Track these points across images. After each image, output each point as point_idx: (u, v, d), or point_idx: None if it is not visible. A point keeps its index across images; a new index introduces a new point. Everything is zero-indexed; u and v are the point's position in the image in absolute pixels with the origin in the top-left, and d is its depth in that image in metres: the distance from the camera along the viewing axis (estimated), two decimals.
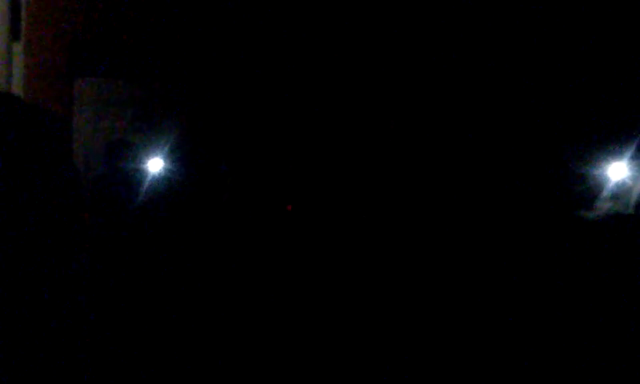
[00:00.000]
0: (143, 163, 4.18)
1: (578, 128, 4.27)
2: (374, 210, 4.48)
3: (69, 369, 2.99)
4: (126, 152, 4.16)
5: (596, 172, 4.04)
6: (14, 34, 3.98)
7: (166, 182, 4.18)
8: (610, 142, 4.06)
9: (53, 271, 3.70)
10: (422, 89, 4.50)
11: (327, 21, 4.42)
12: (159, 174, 4.18)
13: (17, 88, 3.99)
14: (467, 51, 4.49)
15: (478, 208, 4.39)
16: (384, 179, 4.49)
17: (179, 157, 4.25)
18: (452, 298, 4.15)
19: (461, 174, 4.48)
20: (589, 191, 4.03)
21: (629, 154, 4.01)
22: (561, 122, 4.33)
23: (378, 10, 4.47)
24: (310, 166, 4.45)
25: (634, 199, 3.94)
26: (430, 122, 4.51)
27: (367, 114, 4.51)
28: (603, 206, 4.00)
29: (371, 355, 3.87)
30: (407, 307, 4.16)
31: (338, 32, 4.44)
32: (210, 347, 3.87)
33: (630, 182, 3.98)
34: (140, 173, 4.15)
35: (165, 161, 4.19)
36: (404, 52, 4.51)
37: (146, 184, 4.15)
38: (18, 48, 4.03)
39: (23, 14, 4.07)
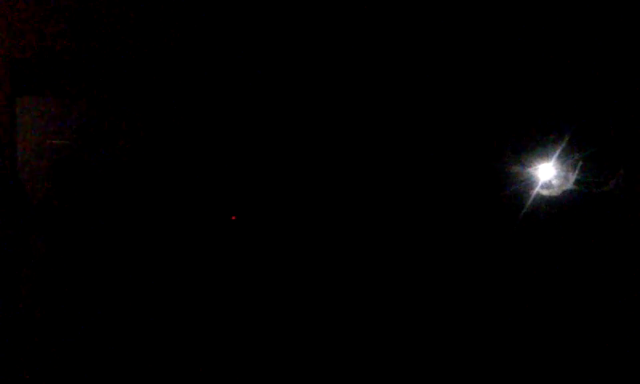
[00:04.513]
0: (92, 181, 4.22)
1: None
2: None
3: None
4: (72, 171, 4.19)
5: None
6: None
7: (117, 198, 4.23)
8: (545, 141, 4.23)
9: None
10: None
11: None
12: (109, 191, 4.23)
13: None
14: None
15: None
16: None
17: (127, 172, 4.29)
18: (428, 300, 4.29)
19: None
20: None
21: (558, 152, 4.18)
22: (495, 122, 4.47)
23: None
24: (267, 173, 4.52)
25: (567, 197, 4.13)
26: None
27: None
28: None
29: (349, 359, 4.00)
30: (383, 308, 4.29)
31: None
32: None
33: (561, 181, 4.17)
34: (89, 190, 4.19)
35: (115, 177, 4.23)
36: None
37: (95, 201, 4.19)
38: None
39: None
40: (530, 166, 4.21)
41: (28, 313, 3.98)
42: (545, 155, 4.20)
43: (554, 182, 4.13)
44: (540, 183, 4.17)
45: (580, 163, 4.13)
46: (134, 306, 4.20)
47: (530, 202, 4.14)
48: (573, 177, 4.11)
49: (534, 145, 4.23)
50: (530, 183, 4.18)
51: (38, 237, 4.06)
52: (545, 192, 4.14)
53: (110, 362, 4.00)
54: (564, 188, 4.13)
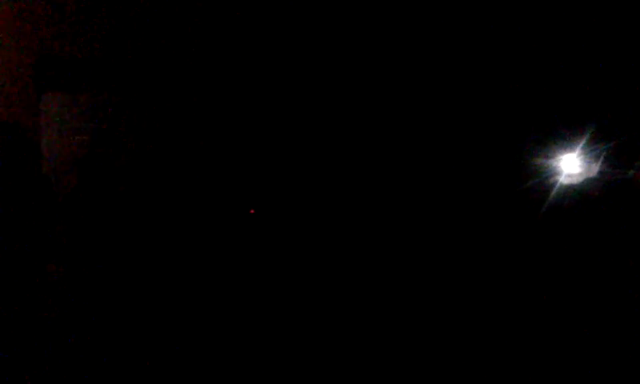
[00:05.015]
0: (114, 177, 4.22)
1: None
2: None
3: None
4: (96, 166, 4.19)
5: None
6: None
7: (138, 194, 4.24)
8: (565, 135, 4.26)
9: (25, 281, 3.72)
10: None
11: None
12: (132, 186, 4.24)
13: None
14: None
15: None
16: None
17: (148, 168, 4.31)
18: (430, 299, 4.28)
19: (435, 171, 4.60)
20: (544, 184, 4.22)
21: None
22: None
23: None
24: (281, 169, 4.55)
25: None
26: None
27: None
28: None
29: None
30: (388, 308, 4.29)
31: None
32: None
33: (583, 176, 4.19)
34: (110, 186, 4.19)
35: (137, 173, 4.26)
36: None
37: (117, 197, 4.20)
38: None
39: None
40: (554, 157, 4.23)
41: (53, 306, 3.96)
42: (568, 146, 4.22)
43: (578, 171, 4.14)
44: (564, 173, 4.18)
45: (603, 153, 4.14)
46: (157, 299, 4.19)
47: (554, 192, 4.15)
48: (596, 166, 4.13)
49: (557, 136, 4.25)
50: (553, 174, 4.20)
51: (62, 231, 4.05)
52: (568, 182, 4.16)
53: (136, 355, 3.98)
54: (587, 177, 4.14)
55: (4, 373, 3.29)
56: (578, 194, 4.13)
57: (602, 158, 4.18)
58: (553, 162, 4.24)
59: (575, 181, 4.18)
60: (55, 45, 4.26)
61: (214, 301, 4.27)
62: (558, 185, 4.17)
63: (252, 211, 4.47)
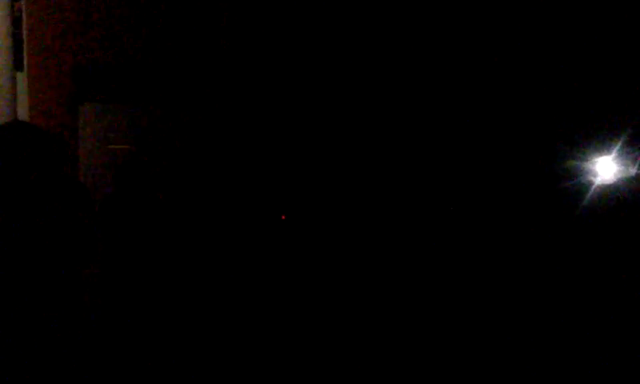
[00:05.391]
0: (152, 184, 4.29)
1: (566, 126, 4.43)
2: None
3: None
4: (133, 174, 4.27)
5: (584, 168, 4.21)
6: (17, 64, 4.07)
7: (172, 200, 4.30)
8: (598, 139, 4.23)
9: (64, 290, 3.79)
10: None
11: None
12: (170, 197, 4.30)
13: (22, 117, 4.09)
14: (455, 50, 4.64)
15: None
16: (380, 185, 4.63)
17: (184, 176, 4.37)
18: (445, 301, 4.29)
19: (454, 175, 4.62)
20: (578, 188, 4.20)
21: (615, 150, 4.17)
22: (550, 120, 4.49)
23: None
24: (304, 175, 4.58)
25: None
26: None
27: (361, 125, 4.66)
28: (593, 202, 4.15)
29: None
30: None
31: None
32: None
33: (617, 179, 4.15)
34: (149, 193, 4.26)
35: (174, 181, 4.31)
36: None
37: (156, 204, 4.26)
38: (21, 78, 4.12)
39: (25, 44, 4.17)
40: (591, 160, 4.19)
41: (91, 312, 4.04)
42: (605, 149, 4.18)
43: (614, 174, 4.10)
44: (600, 176, 4.14)
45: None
46: (193, 304, 4.25)
47: (590, 194, 4.12)
48: (633, 170, 4.08)
49: (594, 139, 4.22)
50: (590, 176, 4.16)
51: (100, 238, 4.13)
52: (605, 184, 4.12)
53: (172, 356, 4.05)
54: (624, 180, 4.10)
55: (45, 372, 3.36)
56: (614, 196, 4.09)
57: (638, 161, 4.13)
58: (588, 165, 4.21)
59: (611, 183, 4.13)
60: (94, 54, 4.33)
61: (247, 305, 4.32)
62: (593, 187, 4.14)
63: (283, 217, 4.51)
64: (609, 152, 4.19)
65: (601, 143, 4.21)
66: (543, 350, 3.84)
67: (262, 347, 4.09)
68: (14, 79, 4.02)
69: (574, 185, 4.17)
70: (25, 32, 4.17)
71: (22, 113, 4.13)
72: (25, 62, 4.18)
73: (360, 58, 4.60)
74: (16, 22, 4.06)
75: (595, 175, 4.19)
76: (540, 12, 4.53)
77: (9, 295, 2.77)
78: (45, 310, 3.42)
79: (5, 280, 2.86)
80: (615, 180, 4.14)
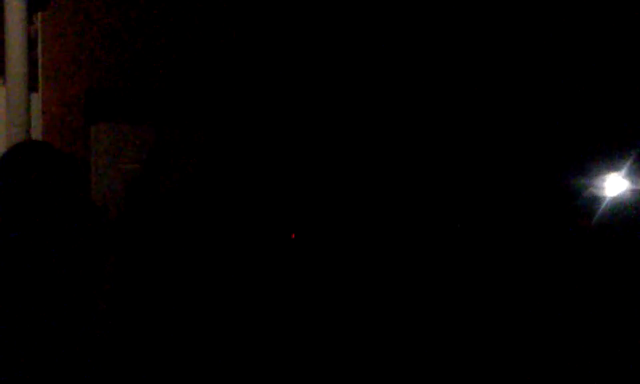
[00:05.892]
0: (162, 203, 4.34)
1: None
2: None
3: None
4: (143, 194, 4.32)
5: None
6: (32, 85, 4.16)
7: (186, 221, 4.34)
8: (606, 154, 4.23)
9: (75, 309, 3.81)
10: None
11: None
12: (180, 215, 4.34)
13: (36, 138, 4.16)
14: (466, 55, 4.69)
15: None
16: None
17: (194, 197, 4.41)
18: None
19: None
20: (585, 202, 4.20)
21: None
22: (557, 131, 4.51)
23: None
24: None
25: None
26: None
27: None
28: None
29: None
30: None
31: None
32: None
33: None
34: (159, 212, 4.31)
35: (185, 201, 4.36)
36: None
37: (168, 225, 4.31)
38: (35, 99, 4.21)
39: (40, 66, 4.26)
40: (600, 176, 4.20)
41: (104, 331, 4.06)
42: (614, 165, 4.19)
43: (623, 189, 4.10)
44: (609, 192, 4.14)
45: None
46: (201, 326, 4.27)
47: (600, 210, 4.11)
48: None
49: (603, 155, 4.23)
50: (600, 192, 4.16)
51: (111, 258, 4.17)
52: (613, 199, 4.12)
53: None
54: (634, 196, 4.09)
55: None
56: (622, 211, 4.08)
57: None
58: (598, 181, 4.21)
59: (620, 199, 4.13)
60: (105, 77, 4.41)
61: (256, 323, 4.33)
62: (603, 204, 4.14)
63: (293, 236, 4.53)
64: (618, 168, 4.20)
65: (611, 159, 4.22)
66: (545, 354, 3.82)
67: (271, 364, 4.09)
68: (28, 100, 4.10)
69: (583, 200, 4.17)
70: (40, 54, 4.26)
71: (36, 133, 4.21)
72: (39, 84, 4.27)
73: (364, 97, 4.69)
74: (32, 43, 4.16)
75: (604, 190, 4.19)
76: (553, 28, 4.58)
77: (19, 314, 2.78)
78: (54, 332, 3.43)
79: (16, 296, 2.88)
80: (624, 196, 4.14)
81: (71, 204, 3.66)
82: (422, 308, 4.38)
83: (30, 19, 4.11)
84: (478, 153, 4.57)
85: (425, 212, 4.57)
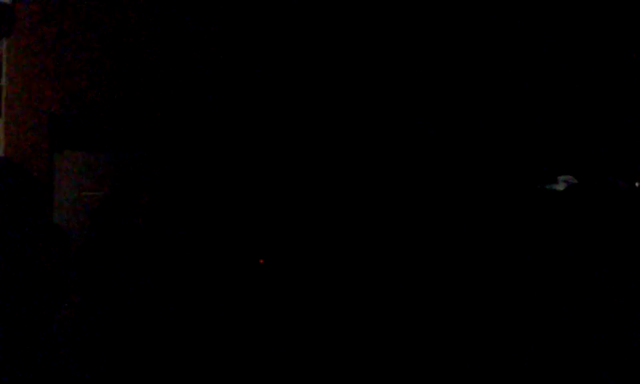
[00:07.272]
0: (125, 230, 4.16)
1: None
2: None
3: None
4: (106, 221, 4.15)
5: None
6: None
7: (146, 246, 4.15)
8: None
9: (36, 331, 3.59)
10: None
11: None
12: (139, 239, 4.16)
13: None
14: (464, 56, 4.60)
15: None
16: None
17: (157, 222, 4.24)
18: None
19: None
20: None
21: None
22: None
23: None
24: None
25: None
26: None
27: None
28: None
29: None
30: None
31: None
32: None
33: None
34: (122, 240, 4.13)
35: (144, 226, 4.18)
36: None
37: (129, 252, 4.13)
38: None
39: (3, 94, 4.20)
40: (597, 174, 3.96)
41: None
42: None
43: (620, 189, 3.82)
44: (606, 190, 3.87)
45: None
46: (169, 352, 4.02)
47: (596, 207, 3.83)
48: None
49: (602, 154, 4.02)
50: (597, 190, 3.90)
51: (75, 284, 3.97)
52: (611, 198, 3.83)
53: None
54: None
55: None
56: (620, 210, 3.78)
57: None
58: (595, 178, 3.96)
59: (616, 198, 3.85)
60: (70, 104, 4.33)
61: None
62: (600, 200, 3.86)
63: (261, 261, 4.32)
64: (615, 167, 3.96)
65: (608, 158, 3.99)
66: (545, 356, 3.50)
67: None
68: None
69: (582, 198, 3.91)
70: (3, 80, 4.21)
71: None
72: (1, 110, 4.19)
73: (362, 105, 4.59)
74: None
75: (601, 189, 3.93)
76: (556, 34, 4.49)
77: None
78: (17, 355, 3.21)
79: None
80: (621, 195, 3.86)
81: (38, 226, 3.48)
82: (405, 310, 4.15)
83: None
84: (468, 153, 4.42)
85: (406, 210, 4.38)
